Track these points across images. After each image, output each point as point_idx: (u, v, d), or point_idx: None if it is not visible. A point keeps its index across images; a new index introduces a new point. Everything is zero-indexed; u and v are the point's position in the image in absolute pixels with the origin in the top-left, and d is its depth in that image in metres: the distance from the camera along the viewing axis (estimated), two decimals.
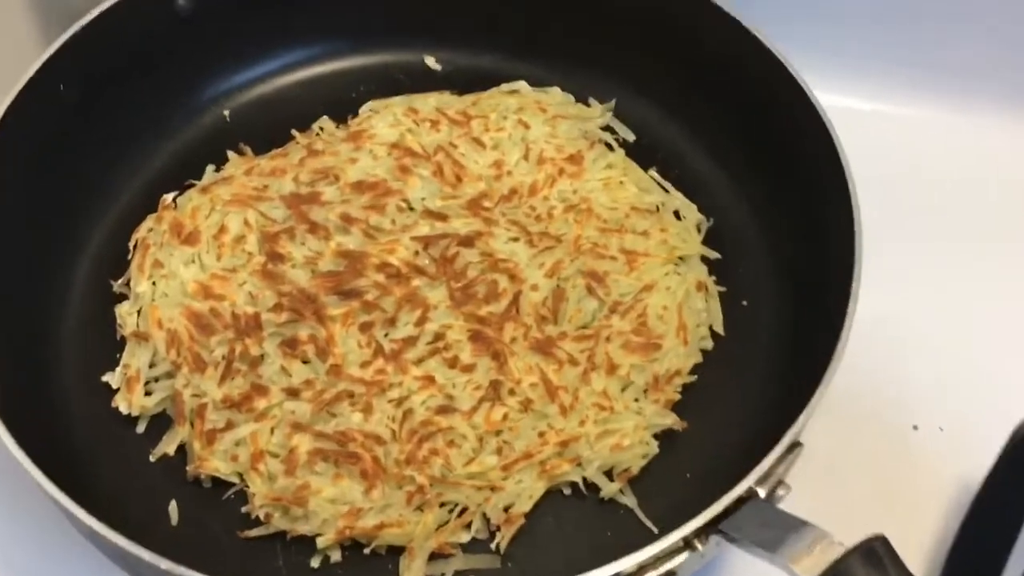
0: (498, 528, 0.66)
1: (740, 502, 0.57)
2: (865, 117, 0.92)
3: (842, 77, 0.90)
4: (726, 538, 0.56)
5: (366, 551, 0.65)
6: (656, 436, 0.70)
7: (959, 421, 0.77)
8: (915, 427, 0.77)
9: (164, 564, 0.54)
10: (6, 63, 0.73)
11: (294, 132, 0.83)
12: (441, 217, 0.77)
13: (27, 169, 0.73)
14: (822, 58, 0.86)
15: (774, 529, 0.54)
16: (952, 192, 0.89)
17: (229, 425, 0.68)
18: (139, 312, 0.73)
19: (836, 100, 0.80)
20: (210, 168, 0.81)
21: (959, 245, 0.86)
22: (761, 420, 0.70)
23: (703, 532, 0.56)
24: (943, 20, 0.91)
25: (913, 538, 0.70)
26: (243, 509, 0.66)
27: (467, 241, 0.75)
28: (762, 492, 0.57)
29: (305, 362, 0.70)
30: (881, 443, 0.76)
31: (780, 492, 0.58)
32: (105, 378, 0.71)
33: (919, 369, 0.79)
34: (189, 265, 0.74)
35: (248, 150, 0.82)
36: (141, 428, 0.70)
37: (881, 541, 0.51)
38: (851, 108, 0.91)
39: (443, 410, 0.68)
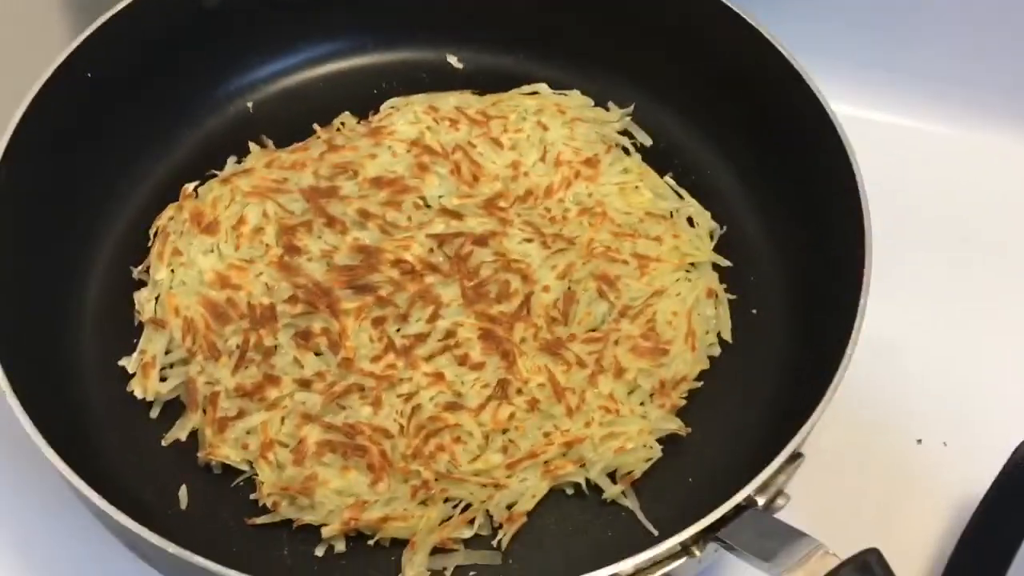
0: (500, 525, 0.67)
1: (739, 510, 0.58)
2: (886, 130, 0.93)
3: (863, 89, 0.91)
4: (723, 545, 0.57)
5: (370, 543, 0.66)
6: (660, 440, 0.71)
7: (963, 437, 0.78)
8: (919, 441, 0.78)
9: (171, 548, 0.55)
10: (38, 50, 0.75)
11: (315, 126, 0.84)
12: (457, 215, 0.78)
13: (53, 154, 0.74)
14: (844, 70, 0.88)
15: (770, 539, 0.55)
16: (965, 209, 0.89)
17: (241, 413, 0.69)
18: (157, 299, 0.74)
19: (856, 111, 0.82)
20: (231, 159, 0.82)
21: (970, 262, 0.87)
22: (765, 429, 0.71)
23: (701, 538, 0.57)
24: (968, 36, 0.91)
25: (911, 551, 0.71)
26: (251, 496, 0.68)
27: (481, 240, 0.76)
28: (761, 501, 0.58)
29: (317, 354, 0.71)
30: (884, 455, 0.77)
31: (779, 502, 0.59)
32: (122, 362, 0.73)
33: (925, 384, 0.80)
34: (207, 254, 0.76)
35: (270, 143, 0.83)
36: (155, 413, 0.72)
37: (875, 555, 0.52)
38: (871, 120, 0.92)
39: (451, 407, 0.70)
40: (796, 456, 0.60)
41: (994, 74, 0.91)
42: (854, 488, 0.74)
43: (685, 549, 0.57)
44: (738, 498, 0.57)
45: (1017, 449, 0.66)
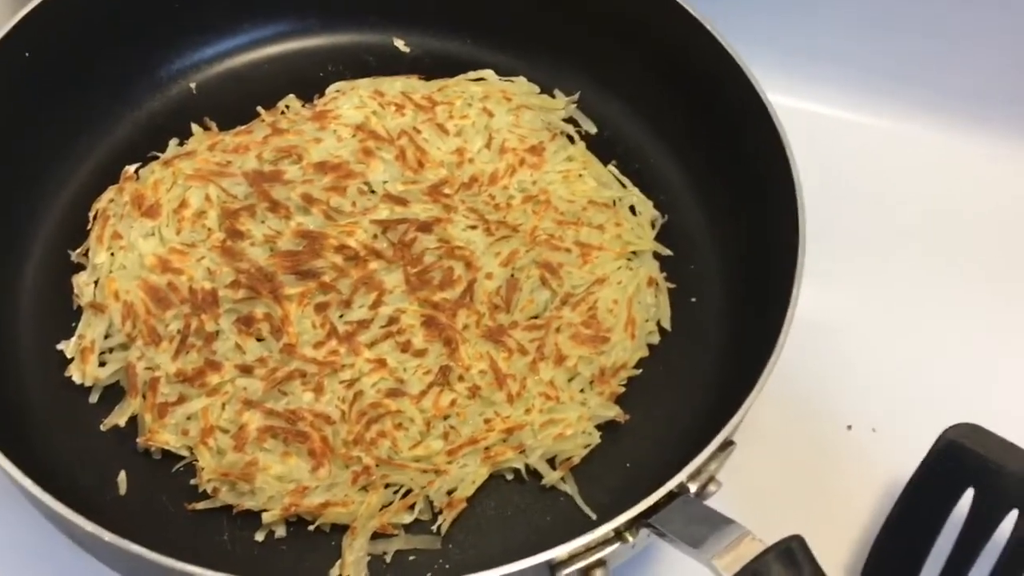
0: (440, 511, 0.68)
1: (671, 497, 0.59)
2: (822, 121, 0.94)
3: (802, 81, 0.93)
4: (655, 531, 0.58)
5: (311, 528, 0.67)
6: (598, 427, 0.72)
7: (891, 423, 0.79)
8: (848, 427, 0.80)
9: (107, 536, 0.55)
10: None
11: (259, 109, 0.83)
12: (401, 201, 0.78)
13: None
14: (783, 61, 0.88)
15: (700, 525, 0.56)
16: (897, 199, 0.91)
17: (181, 399, 0.69)
18: (96, 283, 0.74)
19: (794, 103, 0.83)
20: (174, 142, 0.81)
21: (901, 252, 0.88)
22: (701, 415, 0.72)
23: (634, 524, 0.58)
24: (909, 33, 0.93)
25: (840, 535, 0.73)
26: (191, 482, 0.68)
27: (425, 227, 0.77)
28: (693, 488, 0.59)
29: (259, 340, 0.71)
30: (814, 441, 0.78)
31: (711, 488, 0.60)
32: (60, 347, 0.72)
33: (856, 371, 0.81)
34: (148, 238, 0.75)
35: (213, 125, 0.82)
36: (94, 398, 0.71)
37: (798, 541, 0.53)
38: (808, 111, 0.94)
39: (393, 393, 0.70)
40: (728, 444, 0.61)
41: (927, 70, 0.93)
42: (785, 473, 0.76)
43: (618, 535, 0.58)
44: (670, 485, 0.59)
45: (942, 435, 0.68)
